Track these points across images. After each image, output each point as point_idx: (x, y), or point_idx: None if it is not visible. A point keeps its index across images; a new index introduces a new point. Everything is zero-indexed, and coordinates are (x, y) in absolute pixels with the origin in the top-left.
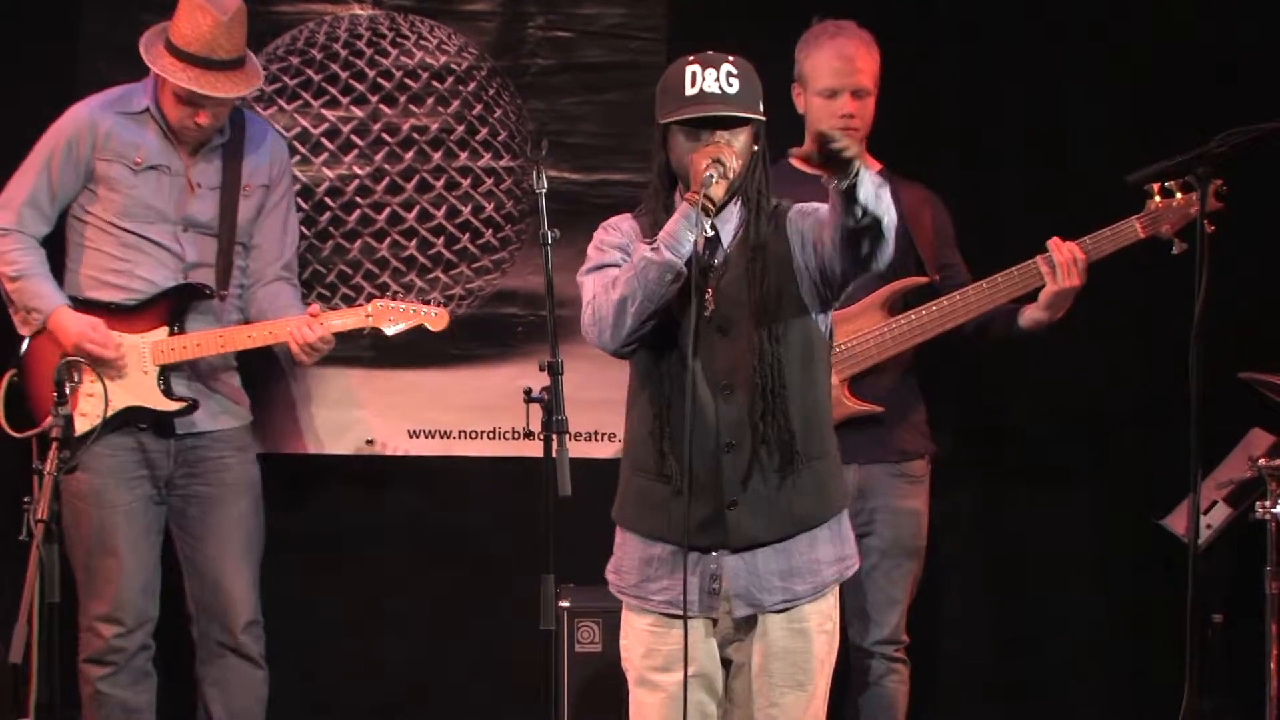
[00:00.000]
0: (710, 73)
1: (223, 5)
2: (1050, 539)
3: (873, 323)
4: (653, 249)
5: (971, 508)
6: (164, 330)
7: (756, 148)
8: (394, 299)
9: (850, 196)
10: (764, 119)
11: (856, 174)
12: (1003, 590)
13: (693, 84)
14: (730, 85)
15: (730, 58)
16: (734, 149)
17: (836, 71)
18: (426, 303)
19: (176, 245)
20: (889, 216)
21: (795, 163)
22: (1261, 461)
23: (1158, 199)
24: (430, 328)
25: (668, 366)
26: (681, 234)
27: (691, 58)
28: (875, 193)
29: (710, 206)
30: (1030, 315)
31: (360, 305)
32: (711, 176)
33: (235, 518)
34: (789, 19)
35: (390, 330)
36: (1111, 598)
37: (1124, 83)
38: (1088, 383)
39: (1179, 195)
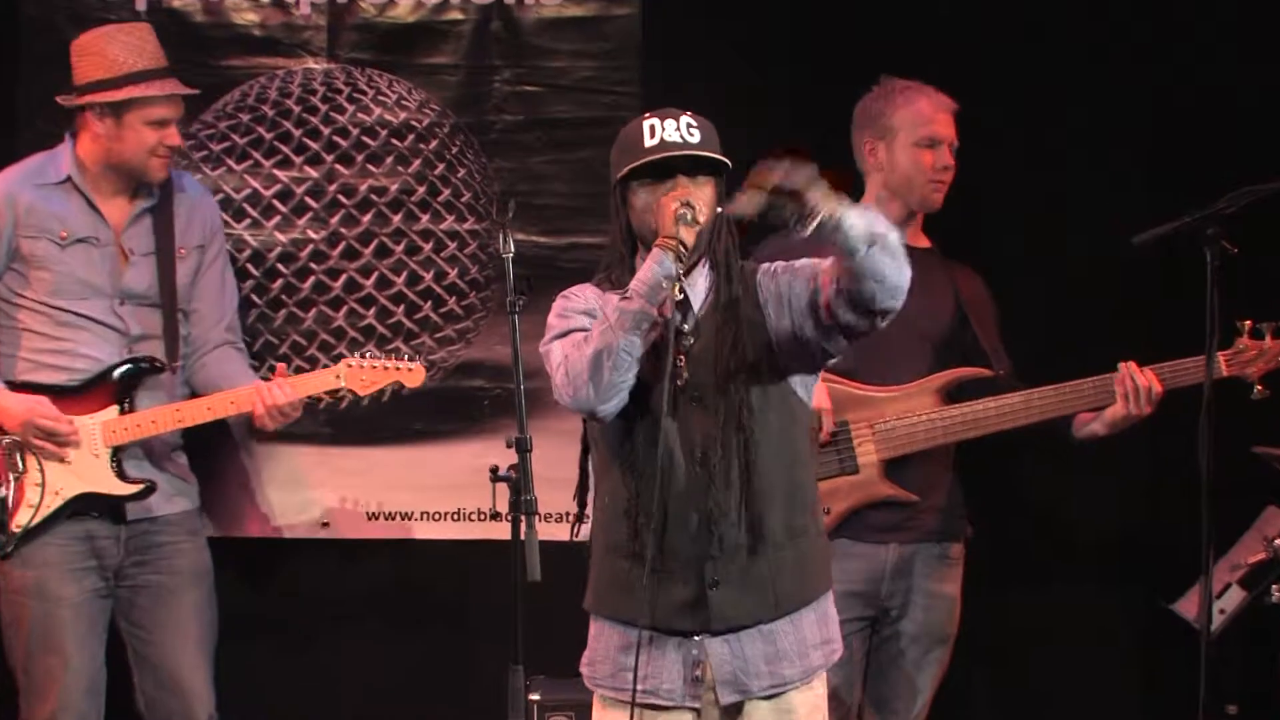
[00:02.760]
0: (670, 123)
1: (134, 24)
2: (1057, 624)
3: (925, 407)
4: (625, 298)
5: (977, 591)
6: (114, 409)
7: (720, 209)
8: (364, 357)
9: (839, 230)
10: (729, 164)
11: (823, 209)
12: (1009, 678)
13: (652, 135)
14: (691, 134)
15: (689, 111)
16: (700, 196)
17: (939, 121)
18: (401, 357)
19: (117, 320)
20: (893, 233)
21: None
22: (1277, 542)
23: (1246, 338)
24: (406, 384)
25: (640, 438)
26: (655, 280)
27: (648, 114)
28: (866, 216)
29: (683, 250)
30: (1088, 429)
31: (329, 367)
32: (686, 214)
33: (190, 607)
34: (766, 71)
35: (365, 393)
36: (1121, 687)
37: (1128, 149)
38: (1090, 460)
39: (1269, 339)
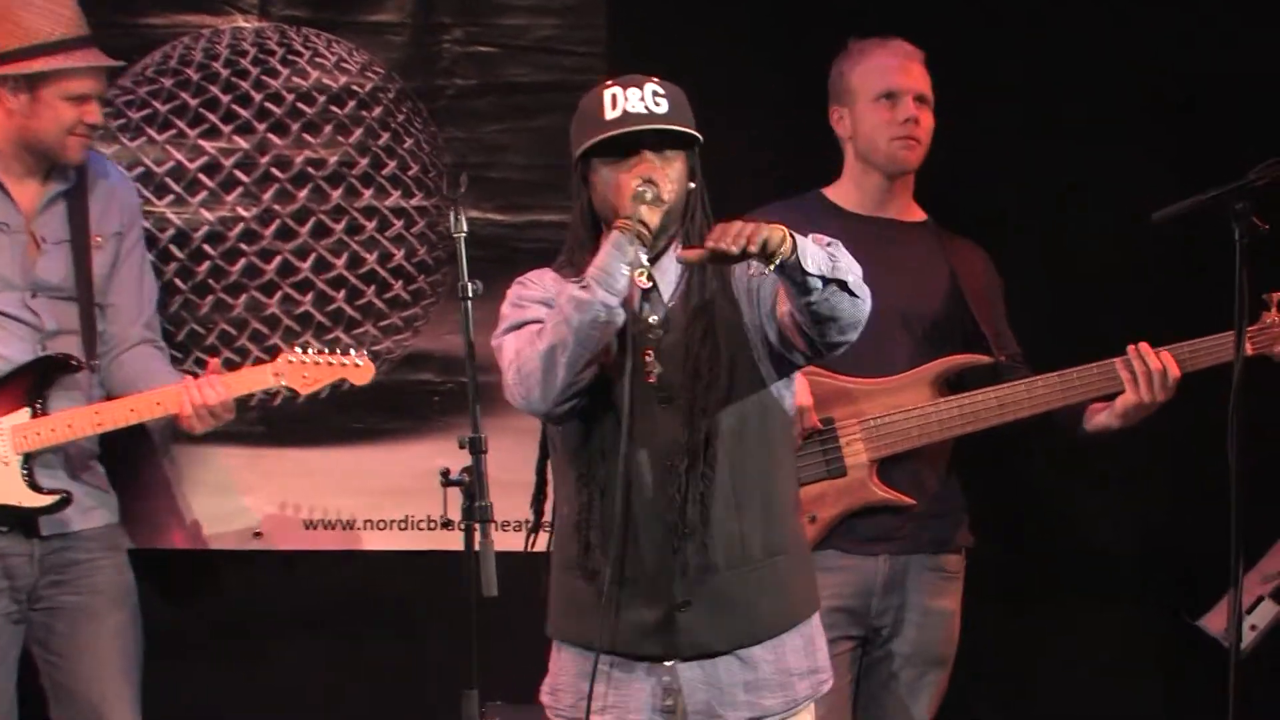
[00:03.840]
0: (633, 92)
1: None
2: (1069, 643)
3: (918, 400)
4: (582, 287)
5: (980, 607)
6: (25, 412)
7: (693, 185)
8: (305, 351)
9: (799, 271)
10: (699, 138)
11: (786, 250)
12: (1015, 704)
13: (613, 106)
14: (657, 105)
15: (655, 78)
16: (667, 173)
17: (896, 70)
18: (346, 351)
19: (29, 314)
20: (853, 274)
21: (829, 193)
22: None
23: (1274, 313)
24: (353, 381)
25: (601, 443)
26: (614, 267)
27: (610, 81)
28: (825, 253)
29: (644, 232)
30: (1100, 421)
31: (264, 363)
32: (644, 193)
33: (112, 631)
34: (742, 28)
35: (306, 391)
36: (1141, 711)
37: (1151, 122)
38: (1105, 458)
39: None
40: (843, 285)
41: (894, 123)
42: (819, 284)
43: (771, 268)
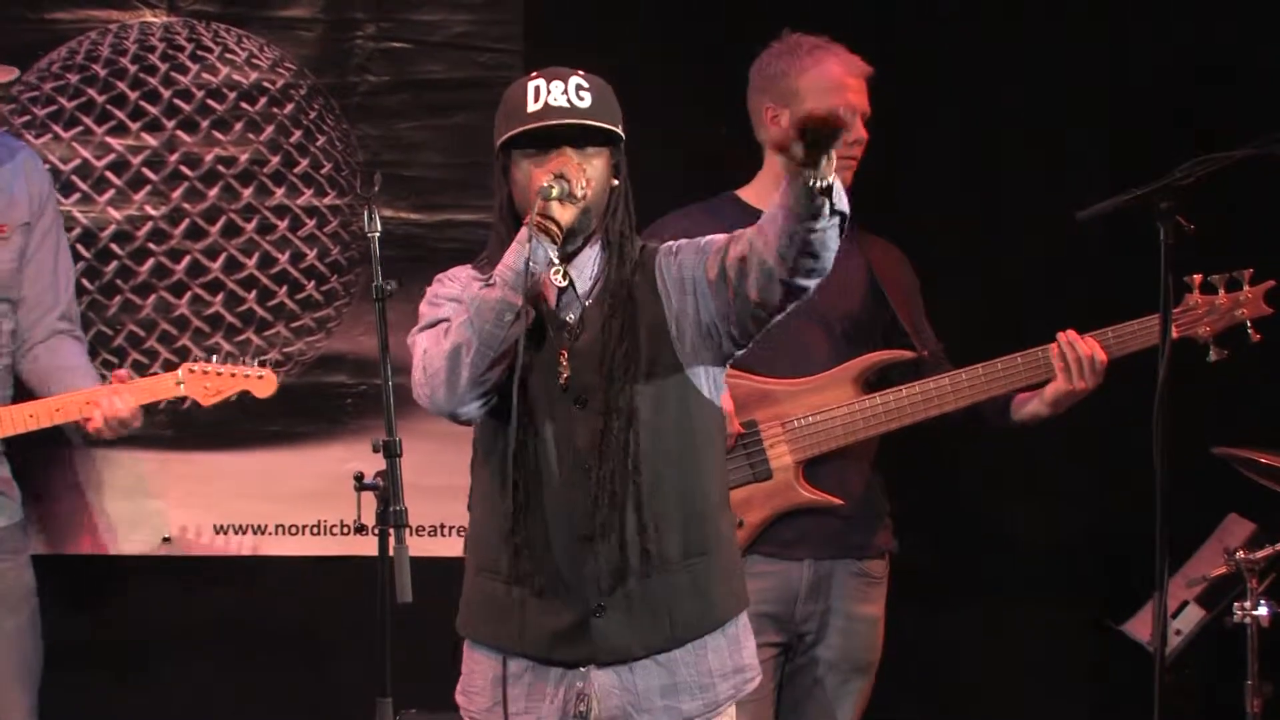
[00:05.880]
0: (556, 85)
1: None
2: (993, 649)
3: (842, 398)
4: (486, 284)
5: (905, 613)
6: None
7: (616, 182)
8: (208, 363)
9: (824, 197)
10: (621, 135)
11: (828, 175)
12: (940, 711)
13: (536, 99)
14: (580, 99)
15: (580, 71)
16: (584, 169)
17: (853, 88)
18: (250, 362)
19: None
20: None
21: (744, 195)
22: (1240, 554)
23: (1197, 294)
24: (255, 394)
25: (516, 444)
26: (520, 265)
27: (534, 73)
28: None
29: (552, 229)
30: (1029, 409)
31: (169, 370)
32: (550, 189)
33: (10, 635)
34: (659, 26)
35: (209, 403)
36: (1068, 715)
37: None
38: (1034, 460)
39: (1223, 293)
40: (843, 219)
41: (843, 142)
42: (828, 211)
43: (820, 179)
